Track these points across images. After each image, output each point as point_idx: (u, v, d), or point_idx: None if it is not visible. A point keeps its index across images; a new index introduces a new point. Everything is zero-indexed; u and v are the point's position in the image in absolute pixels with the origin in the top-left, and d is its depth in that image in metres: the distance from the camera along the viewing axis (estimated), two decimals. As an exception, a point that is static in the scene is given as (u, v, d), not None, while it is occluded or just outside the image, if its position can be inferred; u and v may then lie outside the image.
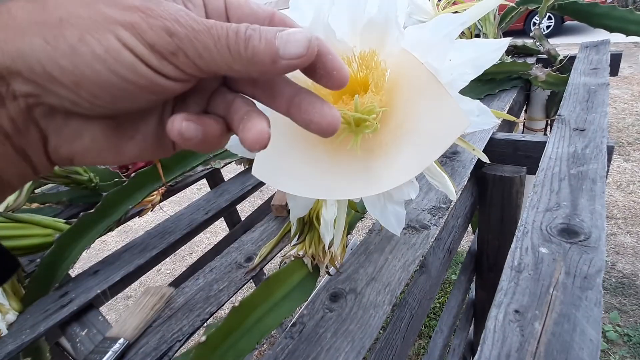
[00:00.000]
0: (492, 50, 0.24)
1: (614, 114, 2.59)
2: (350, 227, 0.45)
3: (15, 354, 0.37)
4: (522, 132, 0.93)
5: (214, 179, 1.07)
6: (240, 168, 0.70)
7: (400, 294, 0.38)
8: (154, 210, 0.63)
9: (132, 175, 0.46)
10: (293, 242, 0.44)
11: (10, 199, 0.46)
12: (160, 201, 0.64)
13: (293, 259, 0.40)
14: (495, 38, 0.73)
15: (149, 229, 0.56)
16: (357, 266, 0.39)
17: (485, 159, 0.37)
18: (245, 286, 0.44)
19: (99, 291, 0.43)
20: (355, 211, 0.46)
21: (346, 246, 0.43)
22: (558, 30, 4.55)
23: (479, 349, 0.25)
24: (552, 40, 0.95)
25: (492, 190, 0.58)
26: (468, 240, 1.56)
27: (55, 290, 0.45)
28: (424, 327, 1.43)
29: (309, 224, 0.44)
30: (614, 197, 1.87)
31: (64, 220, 0.49)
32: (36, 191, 0.60)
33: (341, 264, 0.40)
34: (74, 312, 0.41)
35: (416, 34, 0.26)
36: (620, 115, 2.58)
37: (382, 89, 0.24)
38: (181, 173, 0.48)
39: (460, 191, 0.51)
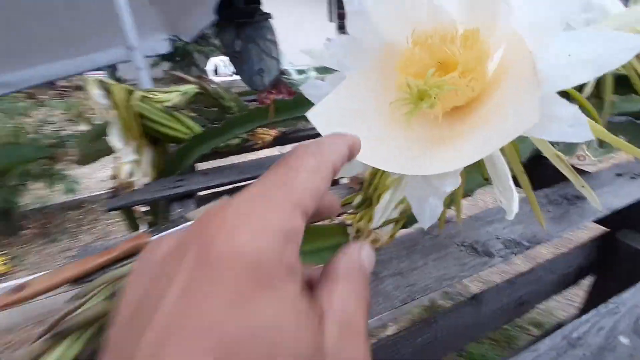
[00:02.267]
0: (622, 49, 0.19)
1: None
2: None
3: (136, 205, 0.53)
4: None
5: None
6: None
7: (432, 309, 0.35)
8: (264, 148, 0.74)
9: (250, 108, 0.56)
10: (350, 211, 0.46)
11: (175, 100, 0.62)
12: (273, 145, 0.75)
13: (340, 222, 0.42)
14: None
15: (252, 159, 0.67)
16: (393, 256, 0.38)
17: (597, 204, 0.30)
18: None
19: (198, 187, 0.54)
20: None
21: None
22: None
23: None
24: None
25: (625, 264, 0.45)
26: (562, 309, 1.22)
27: (177, 174, 0.59)
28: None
29: (370, 201, 0.44)
30: None
31: (202, 129, 0.63)
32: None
33: (380, 248, 0.39)
34: (179, 194, 0.54)
35: (530, 14, 0.22)
36: None
37: (473, 73, 0.23)
38: (289, 119, 0.54)
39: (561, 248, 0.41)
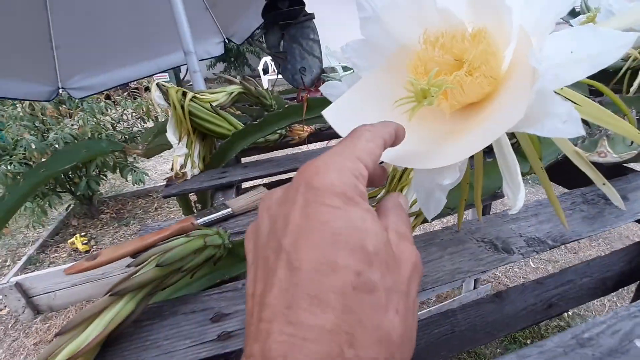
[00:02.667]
0: (617, 47, 0.19)
1: None
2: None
3: (189, 192, 0.60)
4: None
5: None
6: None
7: (450, 305, 0.36)
8: (300, 145, 0.78)
9: (286, 107, 0.60)
10: (374, 204, 0.48)
11: (221, 99, 0.68)
12: (309, 141, 0.79)
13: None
14: None
15: (289, 154, 0.71)
16: (410, 248, 0.40)
17: (620, 204, 0.29)
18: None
19: (239, 179, 0.60)
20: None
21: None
22: None
23: None
24: None
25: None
26: None
27: (222, 167, 0.66)
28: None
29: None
30: None
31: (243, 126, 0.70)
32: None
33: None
34: (223, 184, 0.60)
35: (525, 14, 0.23)
36: None
37: (480, 70, 0.24)
38: (319, 116, 0.57)
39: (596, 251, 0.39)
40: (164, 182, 0.64)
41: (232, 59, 5.14)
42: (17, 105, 1.80)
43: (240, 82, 0.74)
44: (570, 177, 0.52)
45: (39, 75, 1.35)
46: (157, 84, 0.59)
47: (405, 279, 0.14)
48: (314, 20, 1.25)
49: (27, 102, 1.76)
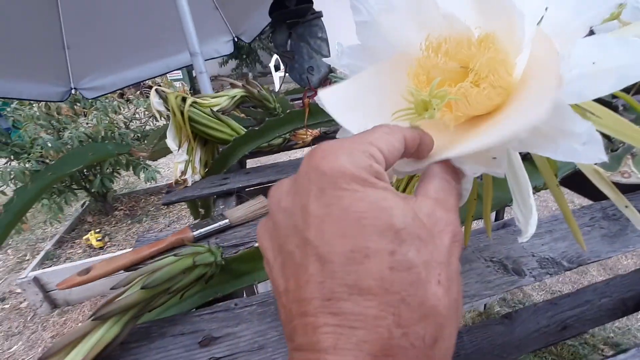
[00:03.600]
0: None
1: None
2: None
3: (190, 199, 0.59)
4: None
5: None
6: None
7: (473, 317, 0.34)
8: (305, 147, 0.76)
9: (288, 112, 0.58)
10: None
11: (223, 103, 0.67)
12: (312, 144, 0.77)
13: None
14: None
15: (293, 160, 0.69)
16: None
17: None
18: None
19: (239, 186, 0.59)
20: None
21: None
22: None
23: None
24: None
25: None
26: None
27: (223, 173, 0.65)
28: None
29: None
30: None
31: (245, 130, 0.68)
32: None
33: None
34: (223, 192, 0.59)
35: (557, 14, 0.20)
36: None
37: (488, 80, 0.22)
38: (323, 122, 0.56)
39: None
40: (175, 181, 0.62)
41: (244, 56, 5.15)
42: (34, 106, 1.84)
43: (243, 85, 0.72)
44: (588, 187, 0.49)
45: (53, 76, 1.37)
46: (156, 90, 0.58)
47: (443, 248, 0.14)
48: (322, 18, 1.22)
49: (43, 102, 1.81)
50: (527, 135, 0.19)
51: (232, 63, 5.46)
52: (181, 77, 4.51)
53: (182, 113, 0.58)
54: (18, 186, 1.68)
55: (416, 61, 0.25)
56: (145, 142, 1.95)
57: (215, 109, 0.64)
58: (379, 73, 0.27)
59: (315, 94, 1.00)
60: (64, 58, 1.38)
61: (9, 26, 1.19)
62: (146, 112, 2.23)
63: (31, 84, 1.32)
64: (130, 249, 0.43)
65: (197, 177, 0.63)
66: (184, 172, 0.61)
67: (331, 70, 1.25)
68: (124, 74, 1.51)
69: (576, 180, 0.42)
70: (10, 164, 1.77)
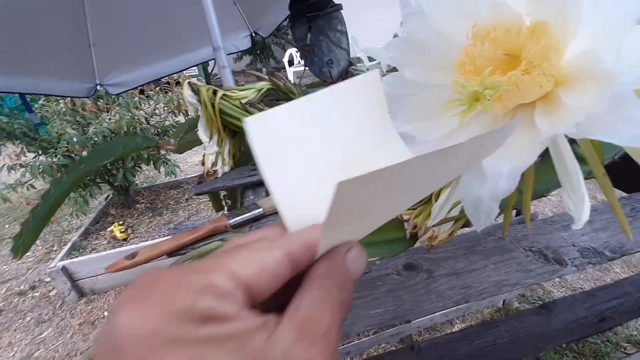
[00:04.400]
0: None
1: None
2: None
3: (220, 189, 0.60)
4: None
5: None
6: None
7: (491, 313, 0.34)
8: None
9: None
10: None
11: (250, 96, 0.68)
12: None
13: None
14: None
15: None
16: (449, 256, 0.38)
17: None
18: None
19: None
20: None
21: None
22: None
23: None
24: None
25: None
26: None
27: (251, 164, 0.66)
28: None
29: (429, 197, 0.44)
30: None
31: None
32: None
33: (436, 246, 0.39)
34: (253, 182, 0.60)
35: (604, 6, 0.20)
36: None
37: (540, 68, 0.22)
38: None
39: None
40: (195, 174, 0.64)
41: (258, 52, 5.16)
42: (60, 102, 1.90)
43: (269, 78, 0.73)
44: (629, 179, 0.48)
45: (79, 73, 1.42)
46: (189, 83, 0.59)
47: None
48: (341, 11, 1.21)
49: (69, 99, 1.86)
50: (586, 121, 0.19)
51: (247, 59, 5.48)
52: (197, 73, 4.56)
53: (212, 105, 0.59)
54: (46, 179, 1.74)
55: (462, 50, 0.25)
56: (165, 137, 1.98)
57: (242, 101, 0.65)
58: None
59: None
60: (89, 55, 1.42)
61: (39, 27, 1.24)
62: (165, 108, 2.27)
63: (59, 80, 1.36)
64: (170, 237, 0.44)
65: (227, 169, 0.64)
66: (214, 164, 0.62)
67: (351, 63, 1.25)
68: (146, 70, 1.55)
69: (612, 172, 0.41)
70: (38, 159, 1.84)
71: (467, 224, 0.44)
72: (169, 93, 2.33)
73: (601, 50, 0.19)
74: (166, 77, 2.28)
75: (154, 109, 2.20)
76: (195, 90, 0.59)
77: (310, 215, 0.15)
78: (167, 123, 2.23)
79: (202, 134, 0.61)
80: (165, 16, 1.44)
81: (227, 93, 0.63)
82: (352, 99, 0.18)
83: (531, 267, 0.34)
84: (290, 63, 4.99)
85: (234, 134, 0.67)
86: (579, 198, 0.25)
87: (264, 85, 0.71)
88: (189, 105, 0.60)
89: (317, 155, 0.17)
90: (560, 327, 0.40)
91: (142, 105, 2.11)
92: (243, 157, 0.66)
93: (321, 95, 0.18)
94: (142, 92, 2.36)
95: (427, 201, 0.44)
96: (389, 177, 0.13)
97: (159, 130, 2.11)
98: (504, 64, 0.24)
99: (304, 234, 0.14)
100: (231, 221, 0.47)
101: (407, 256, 0.39)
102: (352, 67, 1.20)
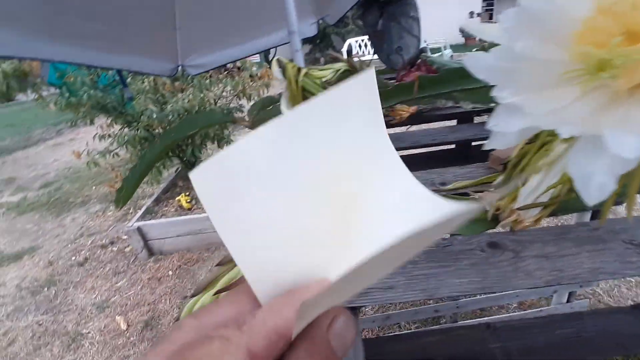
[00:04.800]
0: None
1: None
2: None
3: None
4: None
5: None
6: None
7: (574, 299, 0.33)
8: (401, 125, 0.77)
9: (396, 84, 0.59)
10: (491, 190, 0.46)
11: (328, 76, 0.71)
12: (410, 124, 0.77)
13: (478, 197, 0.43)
14: None
15: (391, 133, 0.71)
16: (536, 239, 0.37)
17: None
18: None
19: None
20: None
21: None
22: None
23: None
24: None
25: None
26: None
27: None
28: None
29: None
30: None
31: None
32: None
33: (521, 230, 0.38)
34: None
35: None
36: None
37: None
38: (431, 95, 0.56)
39: None
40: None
41: (318, 41, 5.21)
42: (145, 81, 2.11)
43: (347, 60, 0.75)
44: None
45: (165, 54, 1.56)
46: (278, 59, 0.63)
47: None
48: (416, -4, 1.19)
49: (152, 78, 2.06)
50: None
51: (306, 48, 5.56)
52: (259, 60, 4.74)
53: (296, 82, 0.63)
54: (128, 150, 1.96)
55: (581, 23, 0.24)
56: (237, 114, 2.10)
57: (322, 80, 0.68)
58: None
59: (411, 71, 0.99)
60: (174, 38, 1.55)
61: (134, 11, 1.38)
62: (231, 91, 2.41)
63: (148, 59, 1.52)
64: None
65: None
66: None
67: (422, 50, 1.22)
68: (223, 52, 1.65)
69: None
70: (124, 130, 2.08)
71: (556, 212, 0.42)
72: (235, 77, 2.46)
73: None
74: (232, 63, 2.41)
75: (222, 92, 2.35)
76: (282, 67, 0.63)
77: (286, 277, 0.13)
78: (231, 105, 2.37)
79: (284, 109, 0.65)
80: (243, 2, 1.53)
81: (309, 72, 0.66)
82: (346, 107, 0.15)
83: (632, 260, 0.33)
84: (349, 53, 4.98)
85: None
86: None
87: (342, 66, 0.73)
88: (276, 80, 0.64)
89: (292, 200, 0.13)
90: (655, 330, 0.37)
91: (212, 87, 2.26)
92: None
93: (308, 109, 0.14)
94: (211, 75, 2.53)
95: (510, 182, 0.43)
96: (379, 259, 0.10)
97: (224, 111, 2.25)
98: (625, 42, 0.23)
99: (273, 315, 0.11)
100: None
101: (490, 236, 0.39)
102: (424, 53, 1.17)
